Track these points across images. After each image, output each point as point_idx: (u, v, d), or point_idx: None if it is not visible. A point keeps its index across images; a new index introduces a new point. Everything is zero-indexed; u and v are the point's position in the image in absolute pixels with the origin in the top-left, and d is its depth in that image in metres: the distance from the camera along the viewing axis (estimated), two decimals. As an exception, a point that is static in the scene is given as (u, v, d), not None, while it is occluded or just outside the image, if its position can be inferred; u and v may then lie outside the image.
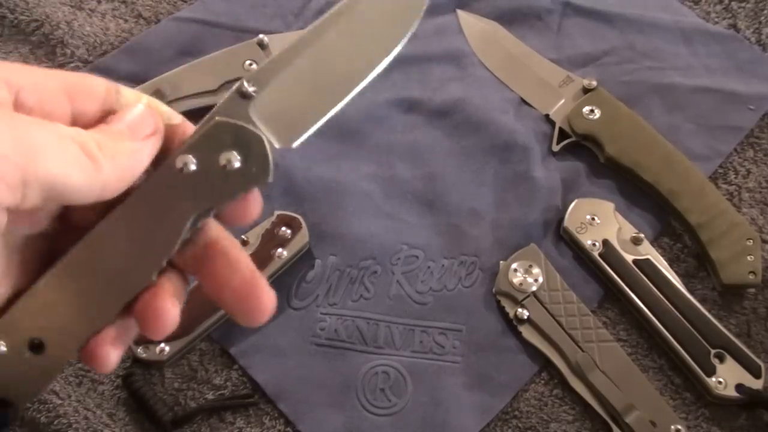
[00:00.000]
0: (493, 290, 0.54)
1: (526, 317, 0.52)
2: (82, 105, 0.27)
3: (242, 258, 0.27)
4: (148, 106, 0.27)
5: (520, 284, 0.53)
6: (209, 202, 0.26)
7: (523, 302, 0.52)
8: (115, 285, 0.26)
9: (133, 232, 0.25)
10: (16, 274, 0.26)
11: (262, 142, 0.26)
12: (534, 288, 0.53)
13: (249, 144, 0.26)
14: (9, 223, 0.23)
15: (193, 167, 0.25)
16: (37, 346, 0.25)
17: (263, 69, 0.27)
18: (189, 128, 0.27)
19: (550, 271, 0.54)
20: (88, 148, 0.24)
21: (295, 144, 0.28)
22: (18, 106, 0.25)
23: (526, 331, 0.52)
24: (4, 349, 0.25)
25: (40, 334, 0.25)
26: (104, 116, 0.27)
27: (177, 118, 0.28)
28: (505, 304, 0.53)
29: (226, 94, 0.27)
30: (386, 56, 0.31)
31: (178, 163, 0.25)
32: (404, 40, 0.32)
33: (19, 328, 0.25)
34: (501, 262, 0.54)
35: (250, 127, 0.26)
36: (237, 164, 0.26)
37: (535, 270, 0.53)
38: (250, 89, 0.26)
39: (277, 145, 0.27)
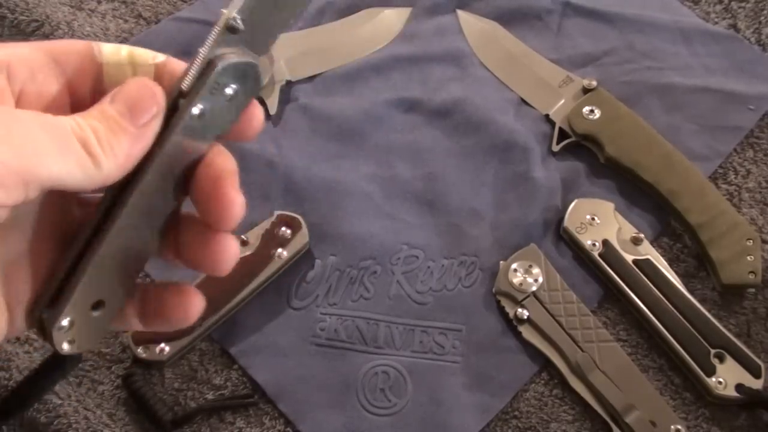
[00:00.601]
0: (493, 290, 0.54)
1: (526, 317, 0.52)
2: (72, 68, 0.27)
3: (218, 160, 0.28)
4: (149, 77, 0.27)
5: (520, 284, 0.53)
6: (218, 131, 0.28)
7: (523, 302, 0.52)
8: (150, 226, 0.28)
9: (160, 180, 0.27)
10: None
11: (257, 67, 0.28)
12: (534, 288, 0.53)
13: (247, 73, 0.28)
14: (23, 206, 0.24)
15: (205, 111, 0.27)
16: (98, 305, 0.28)
17: (245, 3, 0.28)
18: (175, 65, 0.28)
19: (550, 271, 0.54)
20: (89, 144, 0.24)
21: (271, 48, 0.30)
22: (11, 85, 0.25)
23: (526, 331, 0.52)
24: (65, 323, 0.27)
25: (100, 295, 0.28)
26: (95, 77, 0.28)
27: (161, 57, 0.28)
28: (505, 304, 0.53)
29: (212, 32, 0.27)
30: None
31: (195, 111, 0.26)
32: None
33: (83, 301, 0.27)
34: (501, 262, 0.54)
35: (248, 59, 0.28)
36: (236, 92, 0.28)
37: (535, 270, 0.53)
38: (240, 24, 0.27)
39: (258, 57, 0.29)
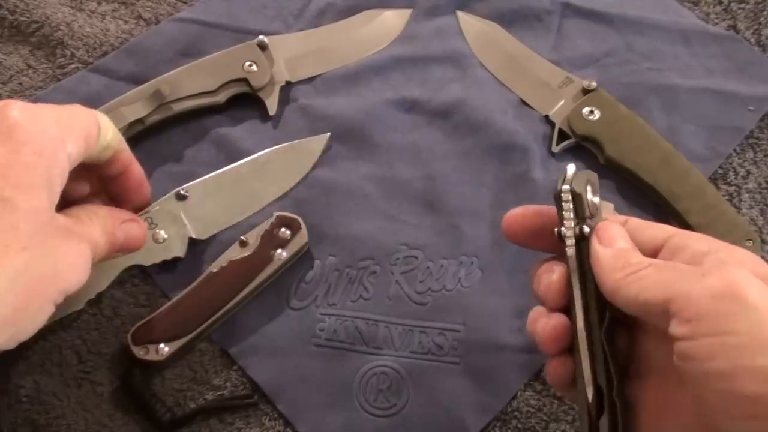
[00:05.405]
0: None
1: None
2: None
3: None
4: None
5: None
6: None
7: (523, 303, 0.52)
8: None
9: None
10: None
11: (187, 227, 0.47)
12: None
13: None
14: None
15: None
16: None
17: (195, 184, 0.44)
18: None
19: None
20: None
21: (205, 237, 0.49)
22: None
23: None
24: None
25: None
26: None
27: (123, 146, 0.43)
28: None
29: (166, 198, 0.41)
30: (282, 191, 0.56)
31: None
32: (296, 182, 0.56)
33: None
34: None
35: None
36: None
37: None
38: (184, 193, 0.43)
39: (193, 235, 0.44)
